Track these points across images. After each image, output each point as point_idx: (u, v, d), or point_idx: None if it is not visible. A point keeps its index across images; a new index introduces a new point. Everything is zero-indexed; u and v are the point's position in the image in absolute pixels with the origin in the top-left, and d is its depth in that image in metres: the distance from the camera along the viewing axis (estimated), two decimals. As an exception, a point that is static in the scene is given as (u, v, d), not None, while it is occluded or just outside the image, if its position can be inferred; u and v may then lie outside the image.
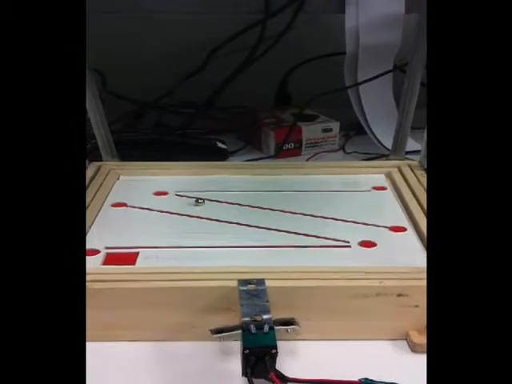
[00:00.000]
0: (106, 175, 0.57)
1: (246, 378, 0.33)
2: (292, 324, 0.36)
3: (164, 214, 0.51)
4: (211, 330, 0.36)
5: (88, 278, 0.38)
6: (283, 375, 0.35)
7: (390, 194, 0.54)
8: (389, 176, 0.58)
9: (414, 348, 0.38)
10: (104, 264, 0.42)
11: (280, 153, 0.74)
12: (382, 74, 0.71)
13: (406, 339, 0.39)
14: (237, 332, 0.35)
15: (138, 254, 0.43)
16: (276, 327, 0.34)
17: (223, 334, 0.36)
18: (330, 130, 0.76)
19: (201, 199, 0.52)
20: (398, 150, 0.62)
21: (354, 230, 0.47)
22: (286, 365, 0.37)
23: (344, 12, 0.69)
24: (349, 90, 0.73)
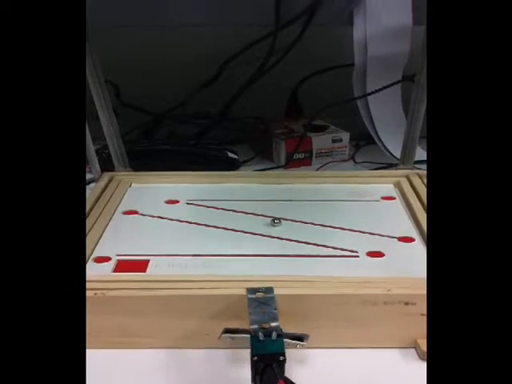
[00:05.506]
0: (118, 185, 0.58)
1: (255, 385, 0.34)
2: (302, 340, 0.36)
3: (175, 222, 0.51)
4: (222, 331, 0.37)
5: (100, 285, 0.39)
6: (292, 382, 0.35)
7: (398, 204, 0.54)
8: (397, 185, 0.58)
9: (422, 356, 0.38)
10: (115, 271, 0.43)
11: (290, 163, 0.74)
12: (390, 85, 0.71)
13: (415, 347, 0.39)
14: (245, 336, 0.35)
15: (148, 261, 0.44)
16: (286, 340, 0.35)
17: (232, 335, 0.36)
18: (340, 140, 0.77)
19: (277, 219, 0.50)
20: (406, 160, 0.62)
21: (362, 240, 0.47)
22: (296, 373, 0.37)
23: (352, 24, 0.70)
24: (358, 101, 0.74)
